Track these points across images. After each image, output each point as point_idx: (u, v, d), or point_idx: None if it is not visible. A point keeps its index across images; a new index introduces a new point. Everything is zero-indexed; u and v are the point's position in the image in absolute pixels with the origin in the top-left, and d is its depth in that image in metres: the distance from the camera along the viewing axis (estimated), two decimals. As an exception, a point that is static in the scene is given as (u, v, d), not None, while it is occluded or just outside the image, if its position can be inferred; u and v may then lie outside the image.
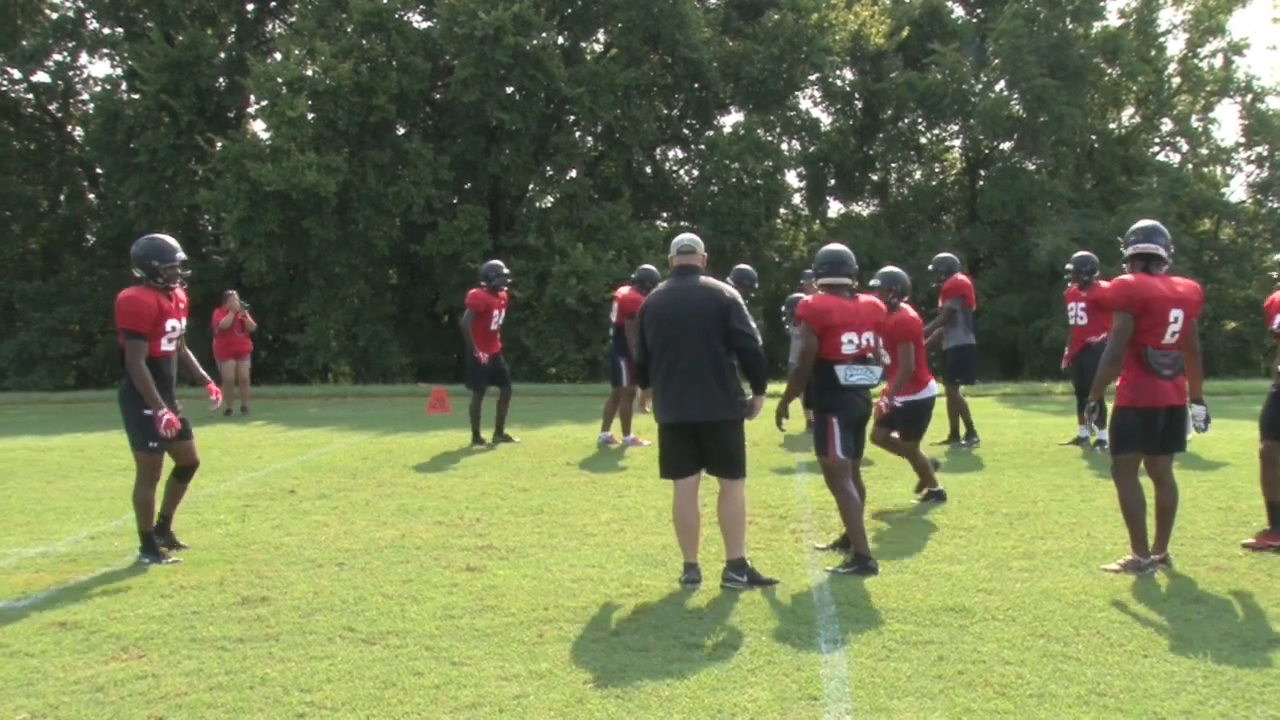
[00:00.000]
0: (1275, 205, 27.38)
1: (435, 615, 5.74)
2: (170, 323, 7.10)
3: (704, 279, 6.39)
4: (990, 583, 6.20)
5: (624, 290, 12.29)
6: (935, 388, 8.64)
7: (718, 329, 6.23)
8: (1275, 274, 11.56)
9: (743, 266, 12.80)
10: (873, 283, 8.29)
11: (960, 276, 12.08)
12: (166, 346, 7.14)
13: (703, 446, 6.31)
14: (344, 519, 8.39)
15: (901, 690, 4.62)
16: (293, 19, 25.63)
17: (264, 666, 5.00)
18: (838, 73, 27.66)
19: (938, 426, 12.28)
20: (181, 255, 7.19)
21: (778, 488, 9.40)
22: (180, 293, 7.27)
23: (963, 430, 11.97)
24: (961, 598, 5.91)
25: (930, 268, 12.36)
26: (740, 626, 5.49)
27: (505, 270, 12.68)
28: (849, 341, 6.59)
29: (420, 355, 25.39)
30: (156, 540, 7.17)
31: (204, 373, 7.43)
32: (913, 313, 8.36)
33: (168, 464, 7.31)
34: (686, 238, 6.53)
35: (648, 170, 27.25)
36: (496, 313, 12.35)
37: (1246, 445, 11.40)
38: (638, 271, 12.53)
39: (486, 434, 12.60)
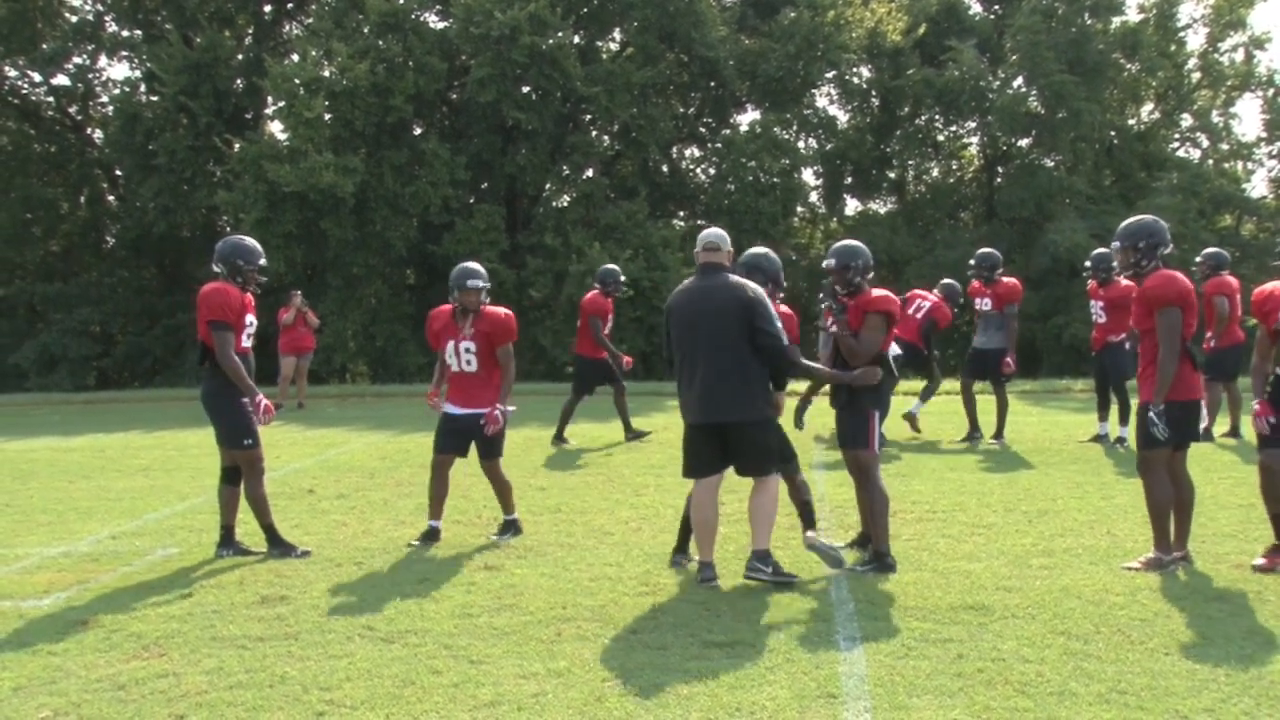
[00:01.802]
0: (1298, 200, 27.20)
1: (453, 614, 5.75)
2: (249, 318, 7.22)
3: (729, 277, 6.30)
4: (1010, 580, 6.17)
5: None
6: None
7: (741, 328, 6.13)
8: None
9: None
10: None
11: (1015, 281, 12.14)
12: (246, 343, 7.24)
13: (729, 447, 6.26)
14: (362, 518, 8.42)
15: (921, 688, 4.60)
16: (309, 20, 25.70)
17: (283, 665, 5.02)
18: (854, 70, 27.57)
19: (957, 426, 12.25)
20: (264, 261, 7.36)
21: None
22: (250, 294, 7.34)
23: (967, 430, 12.01)
24: (981, 595, 5.88)
25: (974, 261, 12.29)
26: (758, 625, 5.48)
27: (622, 276, 12.82)
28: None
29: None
30: (281, 536, 7.33)
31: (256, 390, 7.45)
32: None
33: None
34: (712, 233, 6.42)
35: (664, 169, 27.23)
36: (609, 316, 12.58)
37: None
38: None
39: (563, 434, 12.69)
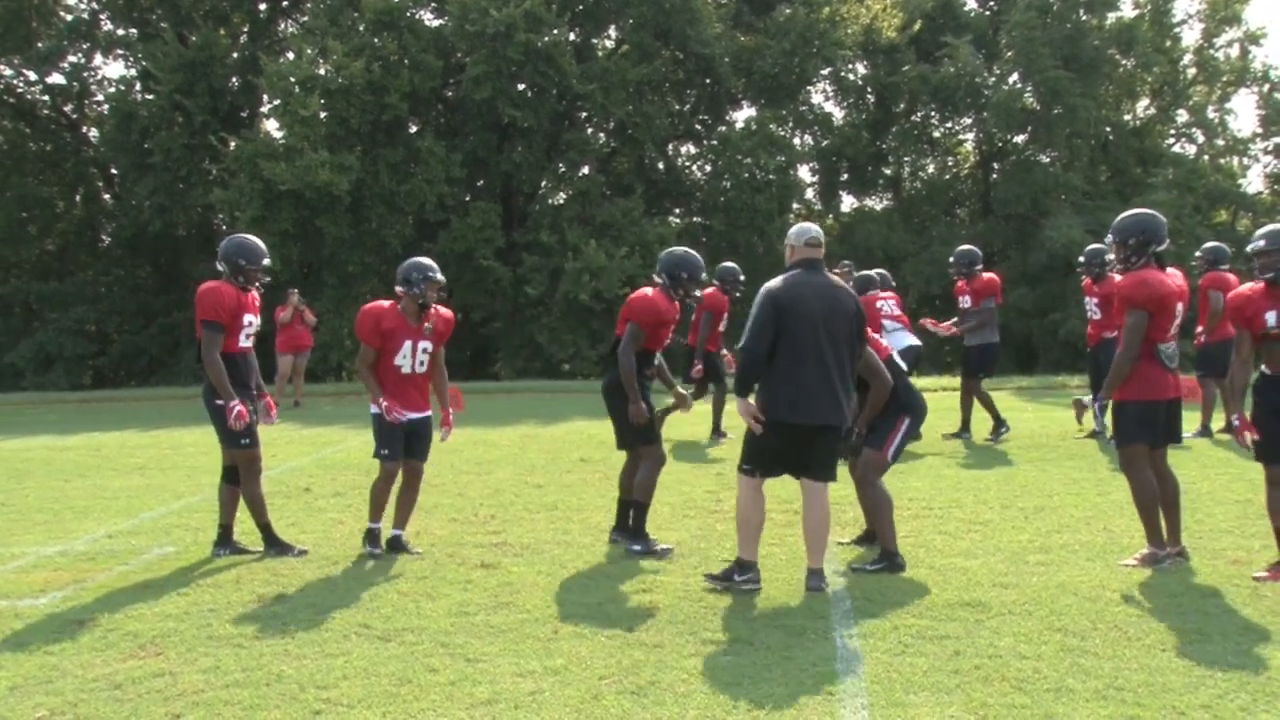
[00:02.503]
0: (1292, 195, 27.22)
1: (450, 612, 5.75)
2: (248, 317, 7.16)
3: (833, 277, 6.21)
4: (1006, 577, 6.18)
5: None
6: None
7: (851, 334, 6.04)
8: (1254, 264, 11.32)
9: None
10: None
11: (993, 276, 12.11)
12: (245, 342, 7.18)
13: (810, 450, 6.06)
14: (359, 517, 8.40)
15: (918, 685, 4.60)
16: (305, 18, 25.70)
17: (280, 663, 5.02)
18: (850, 67, 27.61)
19: (950, 423, 12.25)
20: (267, 261, 7.32)
21: (791, 482, 9.35)
22: (255, 293, 7.30)
23: (958, 425, 12.00)
24: (978, 592, 5.89)
25: (952, 260, 12.27)
26: (755, 622, 5.48)
27: (741, 275, 12.72)
28: None
29: (434, 352, 25.39)
30: (231, 536, 7.26)
31: (264, 384, 7.42)
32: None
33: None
34: (813, 228, 6.23)
35: (660, 166, 27.24)
36: (725, 314, 12.55)
37: (1264, 437, 11.34)
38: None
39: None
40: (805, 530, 6.14)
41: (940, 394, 14.81)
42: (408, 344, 7.12)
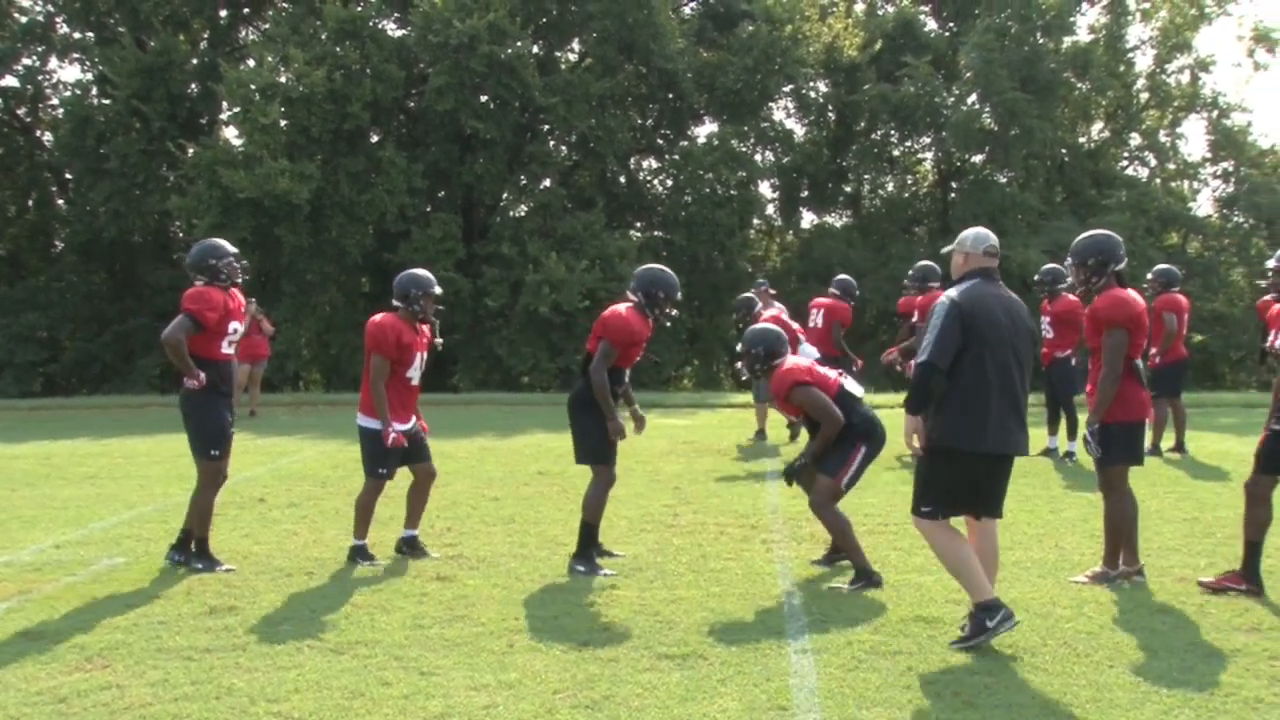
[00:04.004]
0: (1241, 220, 27.70)
1: (404, 625, 5.72)
2: (233, 324, 7.10)
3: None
4: (959, 593, 6.21)
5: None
6: None
7: (1030, 351, 5.63)
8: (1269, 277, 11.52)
9: (845, 277, 13.48)
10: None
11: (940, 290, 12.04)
12: (227, 350, 7.12)
13: (986, 481, 5.54)
14: (314, 528, 8.35)
15: (870, 700, 4.63)
16: (266, 25, 25.50)
17: (231, 677, 4.97)
18: (811, 84, 27.79)
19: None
20: (234, 249, 7.21)
21: (749, 497, 9.42)
22: (239, 295, 7.23)
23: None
24: (931, 608, 5.93)
25: (910, 273, 12.35)
26: (710, 636, 5.49)
27: (857, 290, 13.15)
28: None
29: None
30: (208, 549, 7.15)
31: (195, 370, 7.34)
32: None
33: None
34: (993, 235, 5.75)
35: (622, 180, 27.28)
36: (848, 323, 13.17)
37: (1212, 457, 11.52)
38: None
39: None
40: (988, 555, 5.66)
41: (894, 411, 14.88)
42: (419, 356, 7.24)
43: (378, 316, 7.30)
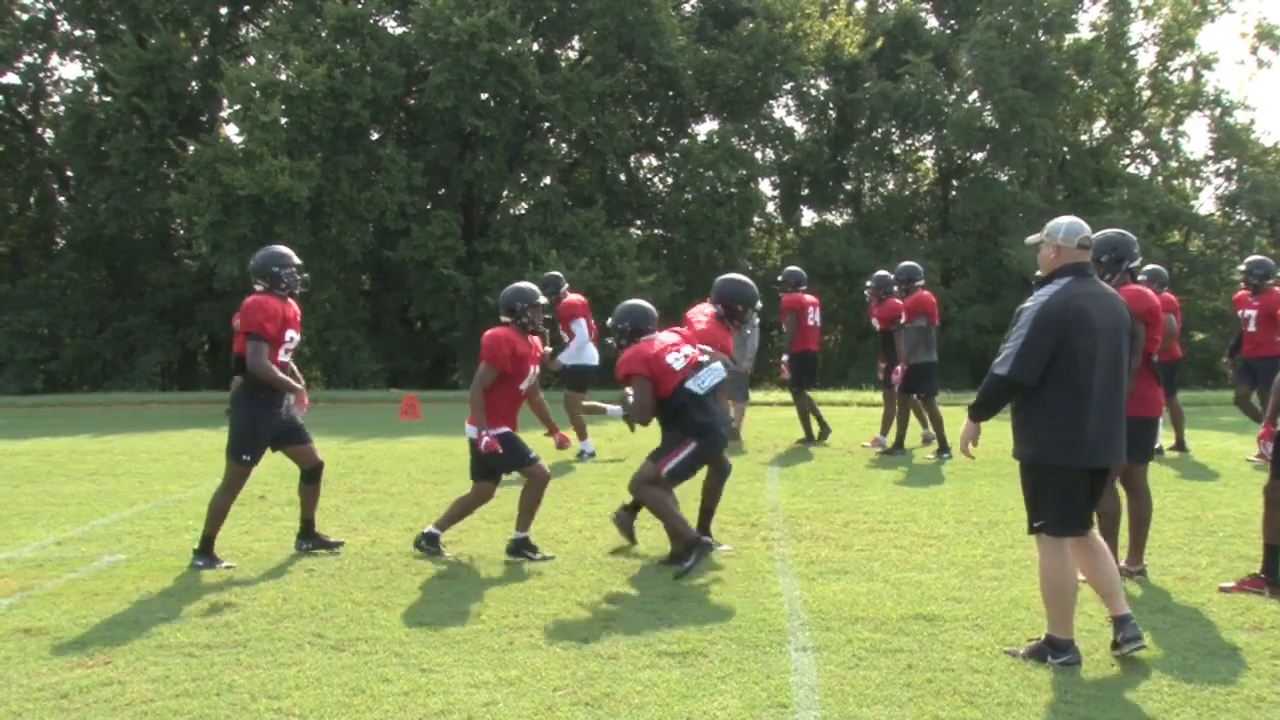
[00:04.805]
0: (1243, 218, 27.71)
1: (405, 622, 5.72)
2: (290, 333, 7.12)
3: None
4: (960, 591, 6.23)
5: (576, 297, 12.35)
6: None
7: (1130, 349, 5.27)
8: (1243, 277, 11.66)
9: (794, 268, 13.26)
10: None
11: (926, 293, 12.02)
12: (283, 357, 7.13)
13: (1091, 494, 5.18)
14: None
15: (870, 698, 4.63)
16: (266, 23, 25.54)
17: (231, 673, 4.97)
18: (812, 82, 27.82)
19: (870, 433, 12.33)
20: (298, 261, 7.24)
21: (749, 495, 9.42)
22: (294, 305, 7.25)
23: (892, 436, 12.02)
24: (931, 606, 5.93)
25: (894, 275, 12.39)
26: (710, 634, 5.49)
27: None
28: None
29: (392, 361, 25.30)
30: (214, 549, 7.15)
31: (296, 384, 7.35)
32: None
33: (292, 469, 7.34)
34: (1087, 226, 5.23)
35: (622, 178, 27.29)
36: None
37: (1213, 456, 11.51)
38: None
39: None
40: (1098, 584, 5.19)
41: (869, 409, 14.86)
42: (532, 369, 7.27)
43: (494, 329, 7.26)
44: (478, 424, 7.04)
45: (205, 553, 7.07)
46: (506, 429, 7.14)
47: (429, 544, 7.26)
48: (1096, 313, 5.00)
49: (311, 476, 7.40)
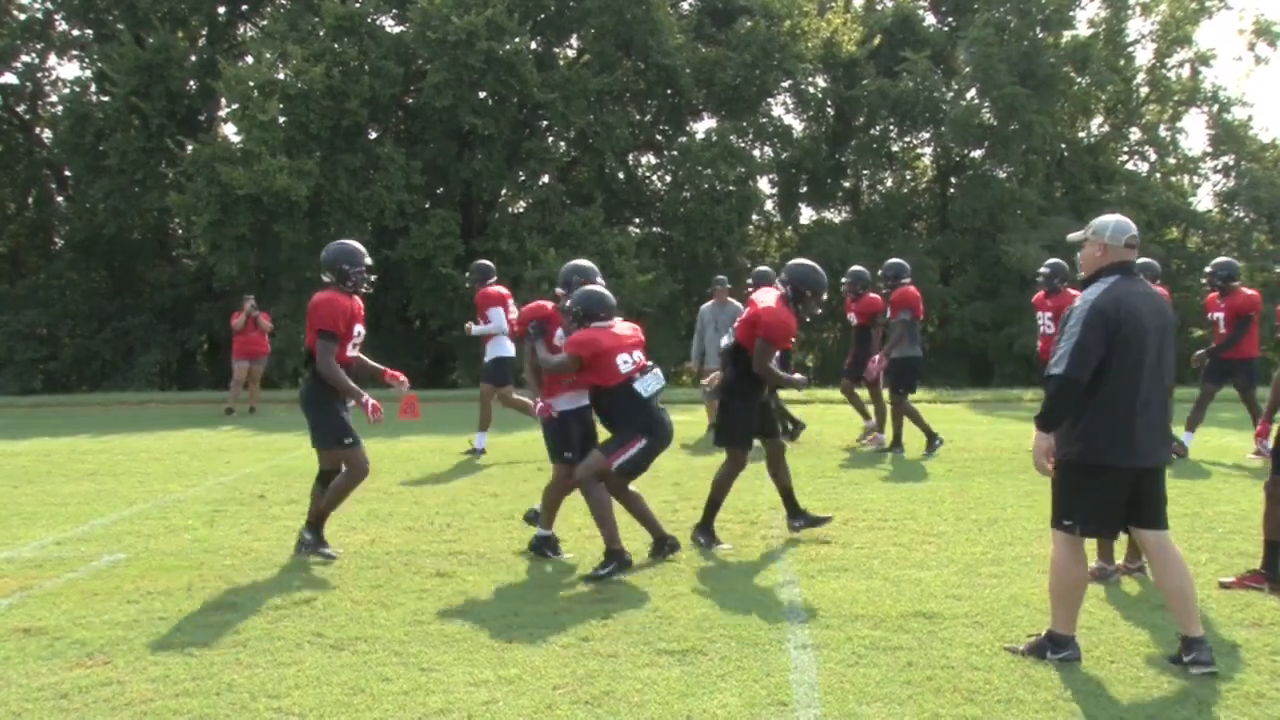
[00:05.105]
0: (1241, 214, 27.71)
1: (404, 621, 5.72)
2: (358, 328, 7.17)
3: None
4: (959, 589, 6.23)
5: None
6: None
7: (1172, 351, 5.18)
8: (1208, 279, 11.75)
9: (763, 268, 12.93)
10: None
11: (911, 288, 12.00)
12: (351, 352, 7.19)
13: (1136, 494, 5.06)
14: (313, 524, 8.33)
15: (870, 696, 4.63)
16: (264, 22, 25.51)
17: (231, 673, 4.97)
18: (810, 80, 27.80)
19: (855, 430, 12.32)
20: (369, 260, 7.27)
21: (748, 493, 9.42)
22: (359, 301, 7.28)
23: (889, 434, 11.98)
24: (931, 603, 5.93)
25: (880, 272, 12.39)
26: (710, 632, 5.49)
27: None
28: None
29: (391, 360, 25.15)
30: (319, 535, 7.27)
31: (378, 365, 7.50)
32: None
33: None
34: (1133, 225, 5.18)
35: (620, 176, 27.28)
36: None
37: (1212, 452, 11.52)
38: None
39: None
40: (1169, 593, 5.06)
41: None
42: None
43: (580, 333, 7.17)
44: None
45: (315, 529, 7.21)
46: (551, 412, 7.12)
47: (543, 545, 7.24)
48: (1147, 312, 4.99)
49: (327, 479, 7.36)
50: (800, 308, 7.44)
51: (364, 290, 7.27)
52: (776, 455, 7.83)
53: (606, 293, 7.18)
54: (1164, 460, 5.09)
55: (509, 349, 12.03)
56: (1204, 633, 4.98)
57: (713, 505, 7.58)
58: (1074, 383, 4.88)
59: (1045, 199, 26.92)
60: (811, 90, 28.29)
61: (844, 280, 12.78)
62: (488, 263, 12.71)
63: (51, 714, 4.54)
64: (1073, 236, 5.37)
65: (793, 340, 7.50)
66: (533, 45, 24.88)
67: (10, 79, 26.64)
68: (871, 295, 12.45)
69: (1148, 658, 5.08)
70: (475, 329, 12.23)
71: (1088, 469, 4.97)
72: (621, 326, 7.06)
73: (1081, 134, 29.23)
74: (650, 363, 7.06)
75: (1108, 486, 4.99)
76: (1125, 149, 29.59)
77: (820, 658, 5.09)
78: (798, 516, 7.76)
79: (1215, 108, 28.01)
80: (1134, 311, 4.94)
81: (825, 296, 7.65)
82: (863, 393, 12.65)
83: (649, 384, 6.94)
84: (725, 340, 7.78)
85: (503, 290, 12.33)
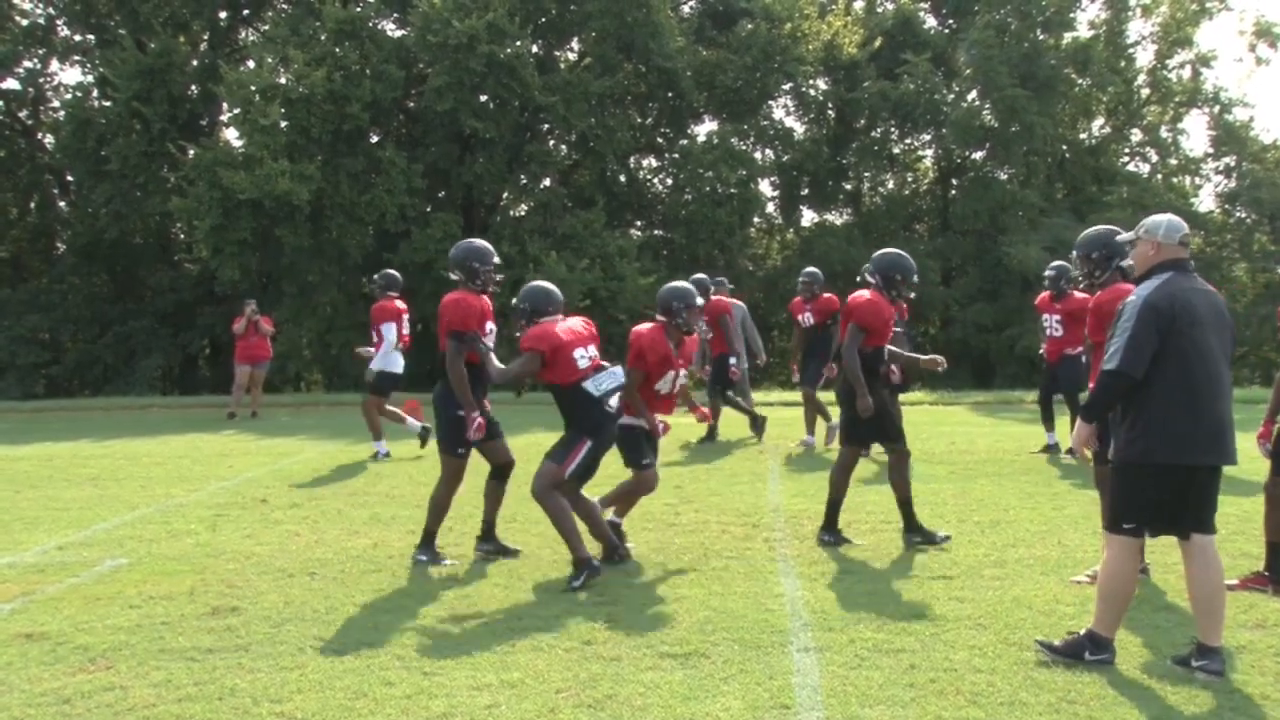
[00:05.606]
0: (1243, 215, 27.69)
1: (407, 625, 5.72)
2: (489, 325, 7.15)
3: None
4: (962, 591, 6.22)
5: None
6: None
7: (1230, 347, 5.14)
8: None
9: (700, 276, 12.92)
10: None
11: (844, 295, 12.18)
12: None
13: (1192, 495, 4.98)
14: (316, 528, 8.34)
15: (873, 698, 4.63)
16: (266, 27, 25.51)
17: (234, 677, 4.97)
18: (811, 82, 27.79)
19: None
20: (497, 259, 7.26)
21: (750, 495, 9.42)
22: (488, 300, 7.26)
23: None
24: (933, 606, 5.93)
25: (865, 266, 12.39)
26: (713, 635, 5.49)
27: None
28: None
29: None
30: (437, 544, 7.26)
31: (475, 404, 7.38)
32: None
33: (480, 467, 7.32)
34: (1184, 223, 5.21)
35: (622, 179, 27.28)
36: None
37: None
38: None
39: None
40: (1196, 599, 5.00)
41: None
42: (670, 374, 7.30)
43: (643, 326, 7.32)
44: (639, 416, 7.17)
45: (427, 547, 7.15)
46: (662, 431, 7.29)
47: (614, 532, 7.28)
48: (1203, 308, 4.99)
49: (500, 474, 7.39)
50: (894, 294, 7.48)
51: (493, 289, 7.23)
52: (898, 464, 7.59)
53: (553, 288, 7.15)
54: (1228, 460, 5.01)
55: (398, 364, 11.99)
56: (1222, 644, 4.95)
57: (833, 505, 7.59)
58: (1128, 377, 4.89)
59: (1046, 200, 26.90)
60: (812, 93, 28.28)
61: (801, 280, 12.87)
62: (396, 274, 12.56)
63: (54, 719, 4.54)
64: (1123, 237, 5.46)
65: (891, 326, 7.51)
66: (534, 49, 24.88)
67: (12, 84, 26.68)
68: (826, 295, 12.53)
69: (1151, 660, 5.07)
70: (369, 352, 12.06)
71: (1150, 468, 4.94)
72: (571, 321, 7.02)
73: (1082, 135, 29.22)
74: (606, 362, 7.01)
75: (1169, 485, 4.95)
76: (1126, 150, 29.58)
77: (823, 660, 5.09)
78: (915, 531, 7.51)
79: (1216, 109, 27.99)
80: (1188, 306, 4.93)
81: (915, 279, 7.66)
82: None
83: (601, 382, 6.85)
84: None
85: (400, 305, 12.21)
